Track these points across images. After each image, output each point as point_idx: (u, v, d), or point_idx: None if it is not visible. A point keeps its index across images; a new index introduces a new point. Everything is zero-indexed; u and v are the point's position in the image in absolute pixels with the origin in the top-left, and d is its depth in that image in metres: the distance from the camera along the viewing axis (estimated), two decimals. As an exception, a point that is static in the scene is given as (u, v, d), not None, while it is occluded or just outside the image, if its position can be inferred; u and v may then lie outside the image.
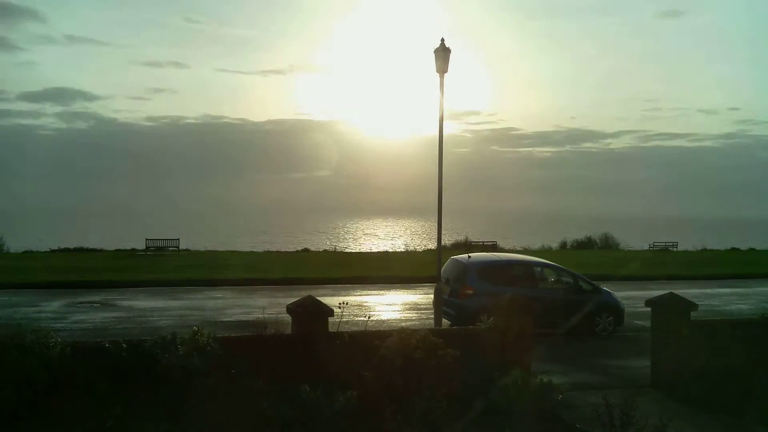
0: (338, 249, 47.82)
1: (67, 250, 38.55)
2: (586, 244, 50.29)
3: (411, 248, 54.08)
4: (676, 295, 10.49)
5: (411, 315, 17.56)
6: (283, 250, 46.10)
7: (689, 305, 10.28)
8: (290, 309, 9.07)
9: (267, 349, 8.51)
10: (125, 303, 19.05)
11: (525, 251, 37.83)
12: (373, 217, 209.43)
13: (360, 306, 18.10)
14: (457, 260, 15.55)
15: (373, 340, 8.48)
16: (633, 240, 56.15)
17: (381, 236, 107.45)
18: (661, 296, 10.59)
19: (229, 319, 16.43)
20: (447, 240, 50.40)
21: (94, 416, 7.16)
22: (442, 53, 14.83)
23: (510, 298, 9.84)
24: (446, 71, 15.00)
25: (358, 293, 21.31)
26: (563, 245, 51.55)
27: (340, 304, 8.95)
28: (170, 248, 39.33)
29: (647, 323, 11.46)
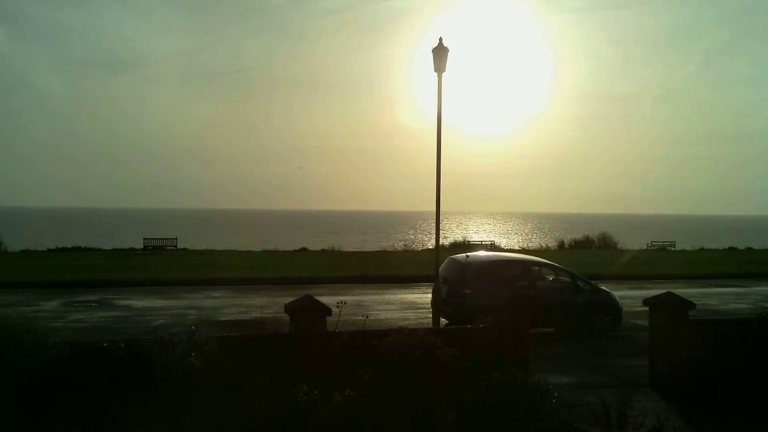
0: (336, 248, 47.72)
1: (65, 249, 38.48)
2: (584, 244, 50.39)
3: (409, 247, 54.03)
4: (674, 295, 10.49)
5: (409, 314, 17.56)
6: (281, 249, 46.01)
7: (687, 304, 10.27)
8: (288, 308, 9.06)
9: (265, 349, 8.49)
10: (123, 302, 19.05)
11: (523, 251, 37.87)
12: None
13: (358, 305, 18.07)
14: (455, 259, 15.56)
15: (371, 339, 8.45)
16: (631, 240, 56.32)
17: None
18: (659, 295, 10.59)
19: (227, 319, 16.42)
20: (446, 240, 50.42)
21: (91, 416, 7.15)
22: (440, 52, 14.81)
23: (508, 298, 9.84)
24: (444, 71, 14.98)
25: (356, 292, 21.30)
26: (561, 245, 51.73)
27: (338, 303, 8.93)
28: (168, 247, 39.39)
29: (645, 322, 11.45)
